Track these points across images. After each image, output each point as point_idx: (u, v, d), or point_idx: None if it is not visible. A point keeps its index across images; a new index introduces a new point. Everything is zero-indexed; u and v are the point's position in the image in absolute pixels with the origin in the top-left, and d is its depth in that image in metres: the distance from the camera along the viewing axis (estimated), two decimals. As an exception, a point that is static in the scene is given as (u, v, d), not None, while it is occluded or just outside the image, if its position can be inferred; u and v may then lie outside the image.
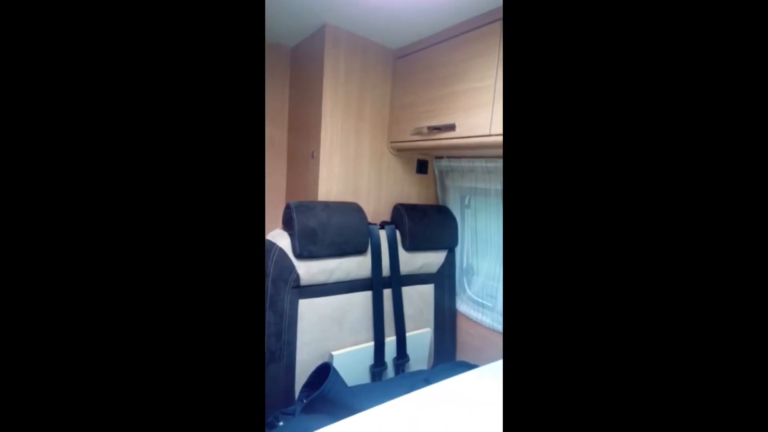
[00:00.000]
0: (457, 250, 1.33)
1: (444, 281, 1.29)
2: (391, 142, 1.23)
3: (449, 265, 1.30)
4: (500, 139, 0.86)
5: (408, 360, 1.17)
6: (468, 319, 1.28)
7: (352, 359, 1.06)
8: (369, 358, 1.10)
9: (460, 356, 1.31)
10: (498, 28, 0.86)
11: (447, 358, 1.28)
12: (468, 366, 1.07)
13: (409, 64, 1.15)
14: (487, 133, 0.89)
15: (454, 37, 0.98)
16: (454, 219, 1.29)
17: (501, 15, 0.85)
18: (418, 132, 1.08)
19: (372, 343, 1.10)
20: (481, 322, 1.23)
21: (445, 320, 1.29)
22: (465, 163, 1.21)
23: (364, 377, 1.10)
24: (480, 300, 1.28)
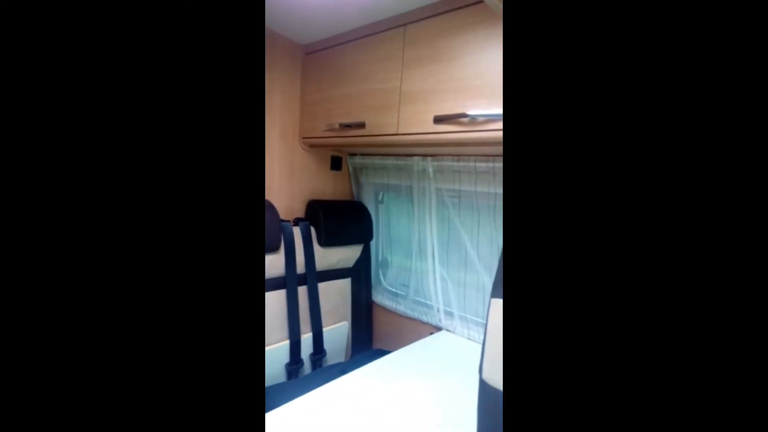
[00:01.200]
0: (372, 244, 1.38)
1: (360, 275, 1.33)
2: (302, 138, 1.22)
3: (365, 258, 1.34)
4: (406, 138, 0.92)
5: (325, 355, 1.18)
6: (384, 309, 1.34)
7: (266, 359, 1.03)
8: (284, 357, 1.08)
9: (377, 345, 1.37)
10: (401, 34, 0.92)
11: (364, 348, 1.33)
12: (384, 353, 1.13)
13: (319, 61, 1.15)
14: (395, 132, 0.94)
15: (361, 38, 1.01)
16: (368, 214, 1.33)
17: (404, 21, 0.91)
18: (330, 128, 1.09)
19: (287, 342, 1.08)
20: (396, 311, 1.30)
21: (362, 312, 1.33)
22: (377, 161, 1.26)
23: (280, 376, 1.08)
24: (394, 290, 1.35)
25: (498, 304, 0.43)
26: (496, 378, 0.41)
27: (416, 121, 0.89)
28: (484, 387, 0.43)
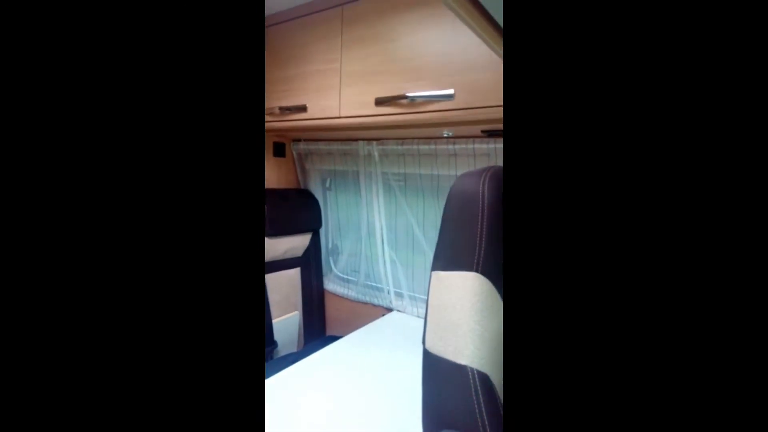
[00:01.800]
0: (322, 231, 1.36)
1: (310, 263, 1.31)
2: (241, 123, 1.16)
3: (315, 246, 1.32)
4: (349, 121, 0.91)
5: (276, 346, 1.15)
6: (335, 295, 1.34)
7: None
8: (233, 353, 1.04)
9: (330, 332, 1.37)
10: (339, 13, 0.89)
11: (317, 336, 1.32)
12: (337, 339, 1.13)
13: (255, 40, 1.09)
14: (337, 115, 0.92)
15: (299, 17, 0.97)
16: (316, 201, 1.31)
17: (341, 1, 0.89)
18: (270, 112, 1.04)
19: (235, 336, 1.04)
20: (348, 296, 1.30)
21: (313, 301, 1.32)
22: (323, 146, 1.24)
23: (229, 373, 1.04)
24: (346, 276, 1.35)
25: (437, 276, 0.44)
26: (437, 346, 0.43)
27: (358, 104, 0.88)
28: (427, 355, 0.44)
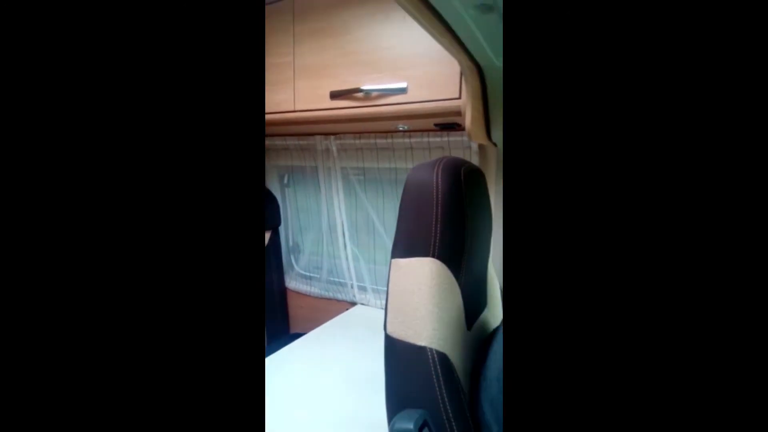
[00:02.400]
0: (281, 229, 1.33)
1: (271, 261, 1.28)
2: (189, 118, 1.10)
3: (274, 244, 1.29)
4: (304, 114, 0.90)
5: (238, 348, 1.12)
6: (298, 293, 1.32)
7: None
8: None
9: (294, 329, 1.35)
10: (290, 6, 0.88)
11: (281, 334, 1.30)
12: (300, 335, 1.12)
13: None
14: (292, 109, 0.91)
15: (248, 6, 0.94)
16: (274, 198, 1.28)
17: (292, -8, 0.87)
18: (221, 106, 1.00)
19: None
20: (311, 293, 1.29)
21: (275, 299, 1.29)
22: (279, 141, 1.21)
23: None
24: (308, 274, 1.34)
25: (397, 263, 0.46)
26: (398, 330, 0.45)
27: (313, 97, 0.87)
28: (388, 339, 0.46)
